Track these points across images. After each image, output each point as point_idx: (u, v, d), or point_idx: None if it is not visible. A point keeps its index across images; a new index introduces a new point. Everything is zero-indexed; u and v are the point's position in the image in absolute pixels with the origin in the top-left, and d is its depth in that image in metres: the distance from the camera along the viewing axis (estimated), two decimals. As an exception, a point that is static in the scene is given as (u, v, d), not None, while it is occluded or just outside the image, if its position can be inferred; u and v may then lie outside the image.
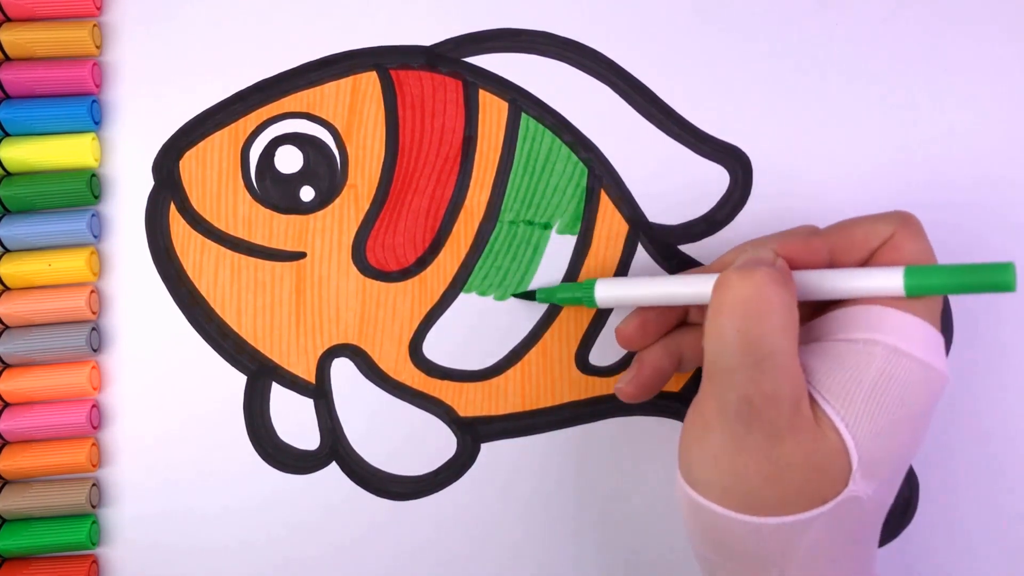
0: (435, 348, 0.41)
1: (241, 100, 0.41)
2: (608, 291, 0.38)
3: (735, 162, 0.41)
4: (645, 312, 0.37)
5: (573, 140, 0.41)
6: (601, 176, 0.41)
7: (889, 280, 0.32)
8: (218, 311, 0.41)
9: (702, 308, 0.36)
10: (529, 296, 0.40)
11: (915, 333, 0.32)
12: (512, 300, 0.41)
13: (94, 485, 0.40)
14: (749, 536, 0.31)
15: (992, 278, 0.31)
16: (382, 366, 0.41)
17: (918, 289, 0.32)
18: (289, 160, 0.41)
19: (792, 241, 0.33)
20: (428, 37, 0.41)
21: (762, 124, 0.41)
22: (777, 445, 0.30)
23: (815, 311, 0.34)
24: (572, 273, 0.41)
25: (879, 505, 0.32)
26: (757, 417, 0.30)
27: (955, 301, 0.40)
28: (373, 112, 0.41)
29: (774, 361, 0.30)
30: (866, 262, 0.34)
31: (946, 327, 0.40)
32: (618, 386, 0.38)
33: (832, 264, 0.34)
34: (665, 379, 0.38)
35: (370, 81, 0.41)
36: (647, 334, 0.38)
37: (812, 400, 0.31)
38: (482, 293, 0.41)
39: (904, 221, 0.34)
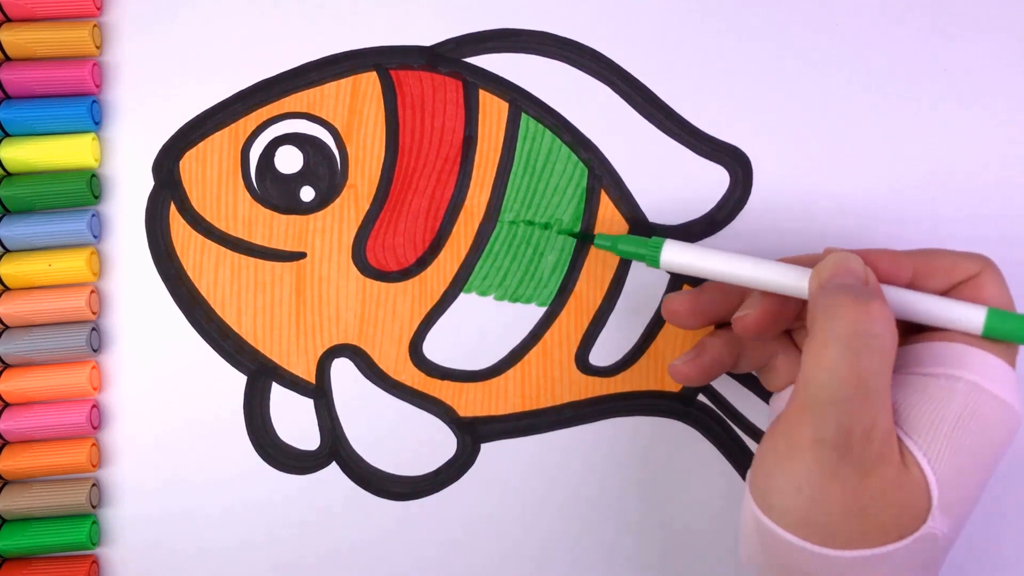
0: (435, 348, 0.41)
1: (241, 100, 0.41)
2: (676, 255, 0.36)
3: (735, 162, 0.41)
4: (700, 294, 0.36)
5: (573, 140, 0.41)
6: (601, 176, 0.41)
7: (971, 316, 0.33)
8: (218, 311, 0.41)
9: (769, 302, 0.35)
10: (587, 239, 0.39)
11: (995, 371, 0.32)
12: (512, 301, 0.41)
13: (94, 485, 0.40)
14: (822, 568, 0.31)
15: None
16: (382, 366, 0.41)
17: (996, 332, 0.32)
18: (289, 160, 0.41)
19: (878, 254, 0.33)
20: (428, 37, 0.41)
21: (762, 124, 0.41)
22: (865, 478, 0.30)
23: None
24: (572, 274, 0.41)
25: (949, 543, 0.32)
26: (851, 450, 0.30)
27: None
28: (373, 112, 0.41)
29: (878, 396, 0.30)
30: (946, 293, 0.34)
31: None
32: (675, 363, 0.37)
33: (912, 287, 0.34)
34: (721, 372, 0.37)
35: (370, 81, 0.41)
36: (697, 315, 0.36)
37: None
38: (482, 293, 0.41)
39: (990, 265, 0.34)
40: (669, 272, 0.37)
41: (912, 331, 0.34)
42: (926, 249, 0.35)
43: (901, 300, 0.33)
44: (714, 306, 0.36)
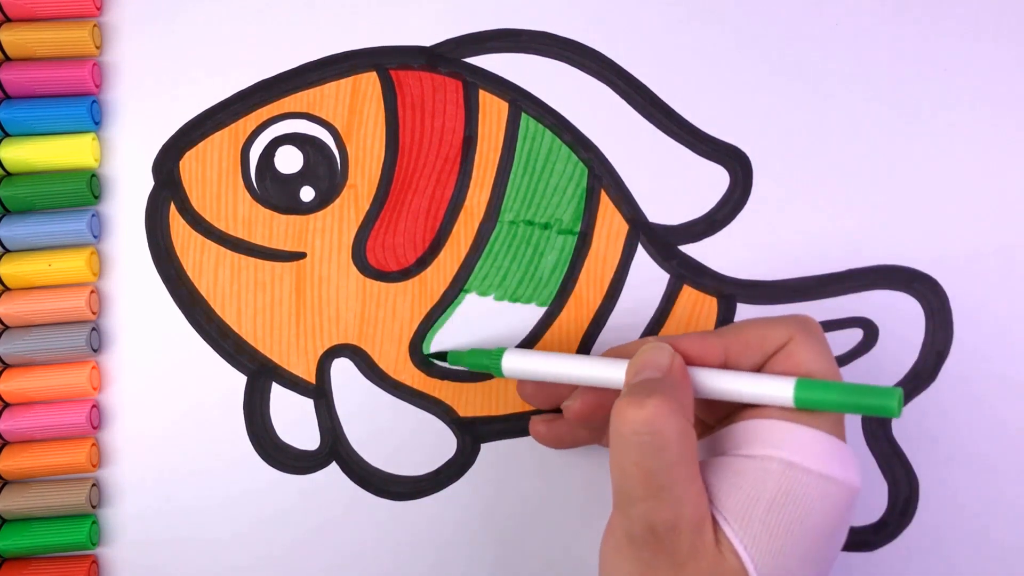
0: (435, 348, 0.41)
1: (241, 100, 0.41)
2: (515, 363, 0.37)
3: (735, 162, 0.41)
4: (544, 388, 0.38)
5: (573, 140, 0.41)
6: (601, 176, 0.41)
7: (779, 389, 0.32)
8: (218, 311, 0.41)
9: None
10: (440, 357, 0.40)
11: (812, 446, 0.31)
12: (512, 301, 0.41)
13: (94, 485, 0.40)
14: None
15: (878, 402, 0.31)
16: (382, 366, 0.41)
17: (807, 403, 0.32)
18: (289, 160, 0.41)
19: (690, 339, 0.34)
20: (428, 37, 0.41)
21: (762, 124, 0.41)
22: (681, 570, 0.30)
23: (722, 416, 0.35)
24: (572, 274, 0.41)
25: None
26: (660, 544, 0.30)
27: (954, 301, 0.40)
28: (373, 112, 0.41)
29: (673, 491, 0.30)
30: (761, 367, 0.34)
31: (946, 326, 0.40)
32: (534, 419, 0.39)
33: (727, 365, 0.34)
34: (579, 444, 0.39)
35: (370, 81, 0.41)
36: (548, 404, 0.39)
37: (714, 520, 0.31)
38: (482, 293, 0.41)
39: (802, 327, 0.34)
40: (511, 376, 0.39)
41: (738, 410, 0.34)
42: (736, 324, 0.35)
43: (711, 382, 0.33)
44: (559, 397, 0.38)
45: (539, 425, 0.39)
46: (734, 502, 0.31)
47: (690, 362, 0.33)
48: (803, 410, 0.32)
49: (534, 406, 0.39)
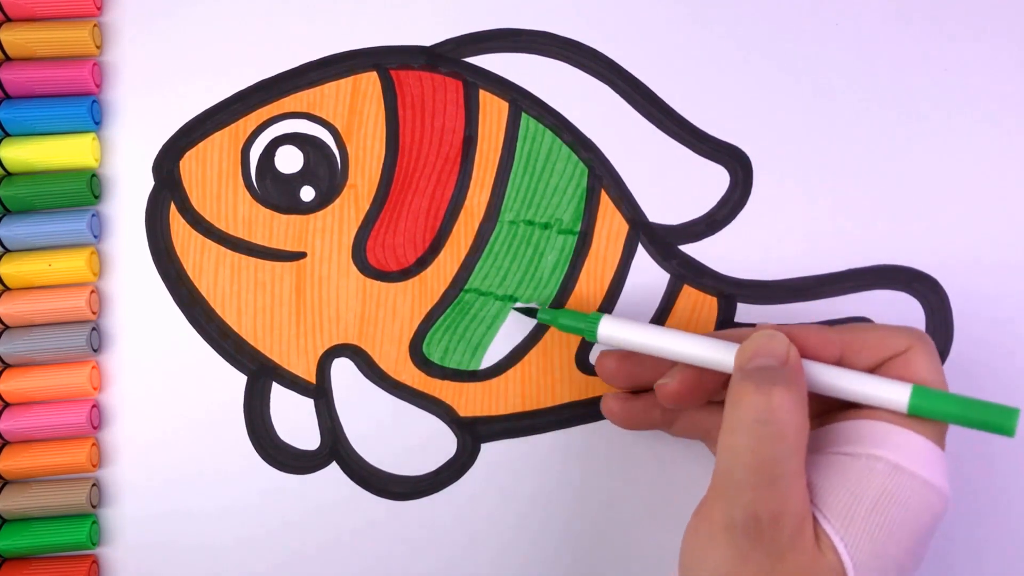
0: (435, 348, 0.41)
1: (241, 100, 0.41)
2: (612, 329, 0.37)
3: (735, 162, 0.41)
4: (629, 358, 0.37)
5: (573, 140, 0.41)
6: (601, 176, 0.41)
7: (896, 393, 0.32)
8: (218, 311, 0.41)
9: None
10: (530, 313, 0.40)
11: (918, 451, 0.32)
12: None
13: (94, 485, 0.40)
14: None
15: (996, 420, 0.31)
16: (382, 366, 0.41)
17: (921, 410, 0.32)
18: (289, 160, 0.41)
19: (808, 331, 0.34)
20: (428, 37, 0.41)
21: (762, 124, 0.41)
22: (778, 563, 0.30)
23: (817, 413, 0.34)
24: (572, 274, 0.41)
25: None
26: (761, 535, 0.30)
27: (954, 301, 0.40)
28: (373, 112, 0.41)
29: (784, 482, 0.30)
30: (875, 369, 0.34)
31: (945, 326, 0.40)
32: (607, 396, 0.38)
33: (841, 363, 0.34)
34: (650, 427, 0.38)
35: (370, 81, 0.41)
36: (628, 379, 0.38)
37: (813, 517, 0.31)
38: (482, 293, 0.41)
39: (921, 339, 0.34)
40: (606, 344, 0.38)
41: (841, 408, 0.34)
42: (856, 324, 0.35)
43: (825, 378, 0.33)
44: (646, 373, 0.37)
45: (612, 402, 0.38)
46: (836, 499, 0.31)
47: (805, 355, 0.33)
48: (912, 417, 0.32)
49: (610, 383, 0.38)
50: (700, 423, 0.38)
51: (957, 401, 0.32)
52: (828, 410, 0.34)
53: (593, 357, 0.41)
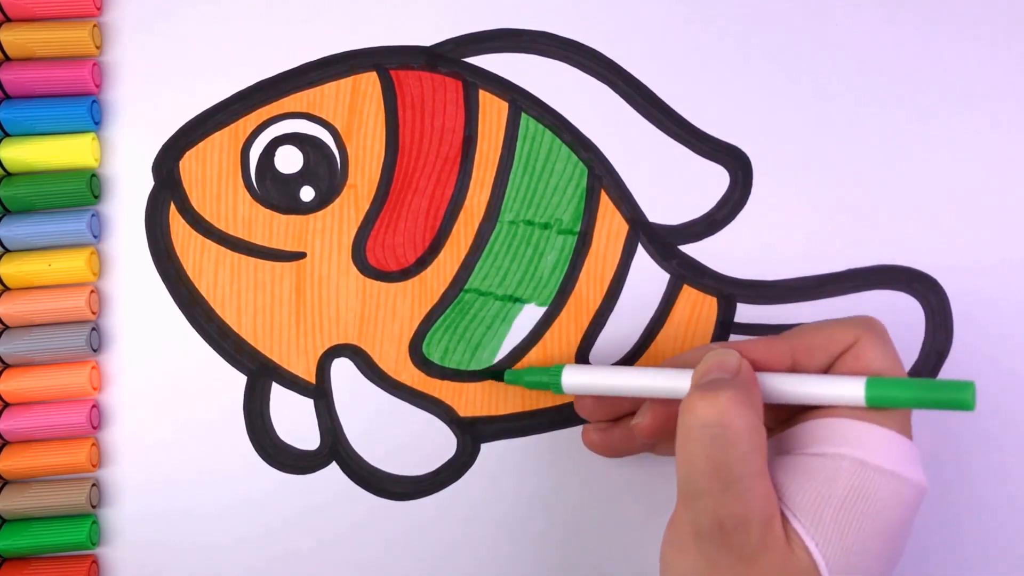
0: (435, 347, 0.41)
1: (241, 100, 0.41)
2: (575, 378, 0.37)
3: (735, 162, 0.41)
4: (604, 401, 0.37)
5: (573, 140, 0.41)
6: (601, 176, 0.41)
7: (850, 389, 0.32)
8: (218, 311, 0.41)
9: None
10: (497, 376, 0.40)
11: (882, 445, 0.32)
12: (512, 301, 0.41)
13: (94, 485, 0.40)
14: None
15: (953, 396, 0.31)
16: (382, 366, 0.41)
17: (879, 401, 0.32)
18: (289, 160, 0.41)
19: (756, 344, 0.34)
20: (428, 37, 0.41)
21: (762, 124, 0.41)
22: (749, 567, 0.30)
23: (784, 419, 0.35)
24: (572, 274, 0.41)
25: None
26: (728, 539, 0.30)
27: (954, 301, 0.40)
28: (373, 112, 0.41)
29: (742, 484, 0.30)
30: (828, 368, 0.34)
31: (945, 326, 0.40)
32: (586, 427, 0.39)
33: (794, 369, 0.34)
34: (632, 452, 0.39)
35: (370, 81, 0.41)
36: (611, 442, 0.38)
37: (783, 518, 0.31)
38: (482, 293, 0.41)
39: (868, 328, 0.34)
40: (572, 392, 0.38)
41: (804, 409, 0.34)
42: (801, 327, 0.35)
43: (780, 386, 0.33)
44: (618, 410, 0.38)
45: (592, 435, 0.39)
46: (804, 499, 0.31)
47: (758, 367, 0.33)
48: (873, 409, 0.32)
49: (591, 420, 0.39)
50: (660, 445, 0.38)
51: (912, 385, 0.32)
52: (789, 416, 0.34)
53: (593, 358, 0.41)
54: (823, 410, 0.33)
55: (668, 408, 0.35)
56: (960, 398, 0.31)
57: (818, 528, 0.31)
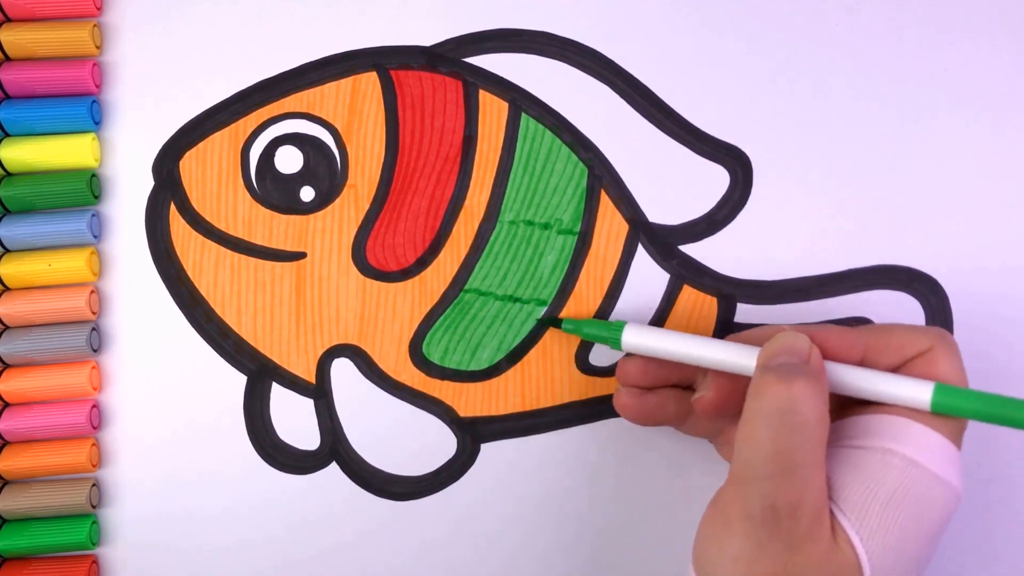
0: (435, 348, 0.41)
1: (241, 100, 0.41)
2: (636, 338, 0.37)
3: (735, 162, 0.41)
4: (651, 364, 0.37)
5: (573, 140, 0.41)
6: (601, 176, 0.41)
7: (918, 392, 0.32)
8: (218, 311, 0.41)
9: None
10: (556, 324, 0.40)
11: (934, 447, 0.32)
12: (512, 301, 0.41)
13: (94, 485, 0.40)
14: None
15: (1018, 414, 0.32)
16: (382, 366, 0.41)
17: (944, 407, 0.32)
18: (289, 160, 0.41)
19: (829, 332, 0.34)
20: (428, 37, 0.41)
21: (762, 124, 0.41)
22: (795, 554, 0.30)
23: (837, 410, 0.34)
24: (572, 274, 0.41)
25: None
26: (779, 525, 0.30)
27: (954, 301, 0.40)
28: (373, 112, 0.41)
29: (802, 473, 0.30)
30: (897, 369, 0.34)
31: (945, 326, 0.40)
32: (620, 391, 0.38)
33: (864, 364, 0.34)
34: (663, 422, 0.38)
35: (370, 81, 0.41)
36: (650, 378, 0.38)
37: (830, 510, 0.31)
38: (482, 293, 0.41)
39: (943, 339, 0.34)
40: (629, 352, 0.38)
41: (859, 404, 0.34)
42: (879, 325, 0.35)
43: (847, 378, 0.33)
44: (669, 375, 0.38)
45: (625, 398, 0.38)
46: (851, 493, 0.31)
47: (827, 356, 0.33)
48: (932, 415, 0.32)
49: (630, 384, 0.38)
50: (712, 422, 0.38)
51: (980, 397, 0.32)
52: (843, 405, 0.34)
53: (593, 357, 0.41)
54: (881, 407, 0.33)
55: (734, 384, 0.35)
56: None
57: (863, 523, 0.31)
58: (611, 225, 0.41)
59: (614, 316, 0.41)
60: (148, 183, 0.41)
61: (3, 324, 0.40)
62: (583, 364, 0.41)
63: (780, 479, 0.30)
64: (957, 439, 0.33)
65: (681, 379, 0.38)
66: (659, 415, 0.38)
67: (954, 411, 0.32)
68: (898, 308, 0.40)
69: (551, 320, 0.40)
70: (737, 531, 0.31)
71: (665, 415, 0.38)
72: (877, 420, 0.33)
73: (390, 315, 0.41)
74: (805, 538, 0.30)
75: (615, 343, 0.37)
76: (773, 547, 0.30)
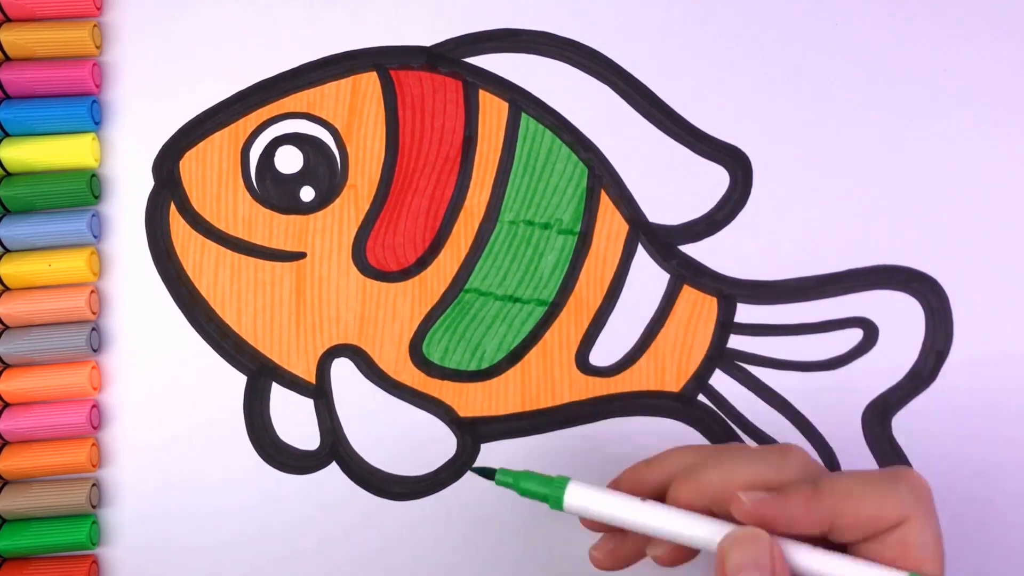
0: (436, 348, 0.41)
1: (241, 100, 0.41)
2: (579, 499, 0.34)
3: (735, 162, 0.41)
4: (616, 538, 0.36)
5: (573, 140, 0.41)
6: (601, 176, 0.41)
7: None
8: (218, 311, 0.41)
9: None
10: (487, 474, 0.36)
11: None
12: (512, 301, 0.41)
13: (94, 485, 0.40)
14: None
15: None
16: (382, 366, 0.41)
17: None
18: (289, 160, 0.41)
19: (794, 501, 0.32)
20: (428, 37, 0.41)
21: (762, 124, 0.41)
22: None
23: None
24: (572, 274, 0.41)
25: None
26: None
27: (954, 301, 0.40)
28: (373, 112, 0.41)
29: None
30: (866, 541, 0.32)
31: (945, 326, 0.40)
32: (592, 552, 0.36)
33: (831, 535, 0.32)
34: (640, 559, 0.37)
35: (370, 81, 0.41)
36: (618, 560, 0.36)
37: None
38: (482, 293, 0.41)
39: (918, 505, 0.32)
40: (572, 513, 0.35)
41: None
42: (844, 486, 0.32)
43: (815, 565, 0.32)
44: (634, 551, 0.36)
45: (597, 553, 0.36)
46: None
47: (791, 527, 0.32)
48: None
49: (595, 531, 0.37)
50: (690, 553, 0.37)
51: None
52: None
53: (593, 357, 0.41)
54: None
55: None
56: None
57: None
58: (611, 225, 0.41)
59: (614, 316, 0.41)
60: (148, 183, 0.41)
61: (3, 324, 0.40)
62: (583, 364, 0.41)
63: None
64: None
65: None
66: (634, 558, 0.36)
67: None
68: (898, 308, 0.40)
69: (483, 470, 0.36)
70: None
71: (639, 556, 0.36)
72: None
73: (390, 315, 0.41)
74: None
75: (556, 503, 0.34)
76: None
